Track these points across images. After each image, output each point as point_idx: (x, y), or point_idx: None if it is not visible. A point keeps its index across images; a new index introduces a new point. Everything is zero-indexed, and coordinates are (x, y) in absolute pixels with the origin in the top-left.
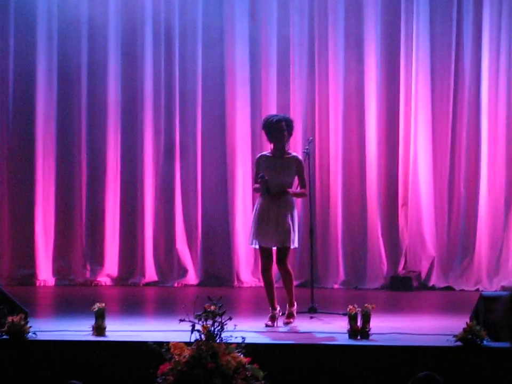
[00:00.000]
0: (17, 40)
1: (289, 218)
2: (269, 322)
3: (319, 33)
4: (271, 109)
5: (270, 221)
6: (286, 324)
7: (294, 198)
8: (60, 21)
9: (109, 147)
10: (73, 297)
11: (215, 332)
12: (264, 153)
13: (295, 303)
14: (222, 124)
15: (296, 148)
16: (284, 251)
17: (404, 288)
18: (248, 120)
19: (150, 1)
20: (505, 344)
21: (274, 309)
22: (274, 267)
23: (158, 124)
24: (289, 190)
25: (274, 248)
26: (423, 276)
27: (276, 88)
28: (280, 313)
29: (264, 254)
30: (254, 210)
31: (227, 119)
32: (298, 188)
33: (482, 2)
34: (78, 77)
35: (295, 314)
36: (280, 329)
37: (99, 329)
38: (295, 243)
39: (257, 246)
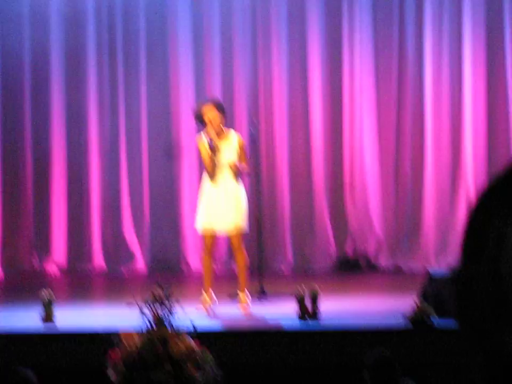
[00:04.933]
0: None
1: (243, 200)
2: (202, 308)
3: (262, 13)
4: (216, 91)
5: (220, 204)
6: (244, 309)
7: (241, 182)
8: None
9: (54, 132)
10: (21, 285)
11: (165, 318)
12: (201, 134)
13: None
14: (166, 107)
15: (241, 132)
16: (240, 235)
17: (351, 270)
18: (193, 101)
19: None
20: (454, 323)
21: (208, 293)
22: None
23: (103, 106)
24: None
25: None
26: (371, 257)
27: (220, 71)
28: (215, 299)
29: (211, 237)
30: (201, 192)
31: (171, 100)
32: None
33: None
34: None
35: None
36: (229, 314)
37: (48, 316)
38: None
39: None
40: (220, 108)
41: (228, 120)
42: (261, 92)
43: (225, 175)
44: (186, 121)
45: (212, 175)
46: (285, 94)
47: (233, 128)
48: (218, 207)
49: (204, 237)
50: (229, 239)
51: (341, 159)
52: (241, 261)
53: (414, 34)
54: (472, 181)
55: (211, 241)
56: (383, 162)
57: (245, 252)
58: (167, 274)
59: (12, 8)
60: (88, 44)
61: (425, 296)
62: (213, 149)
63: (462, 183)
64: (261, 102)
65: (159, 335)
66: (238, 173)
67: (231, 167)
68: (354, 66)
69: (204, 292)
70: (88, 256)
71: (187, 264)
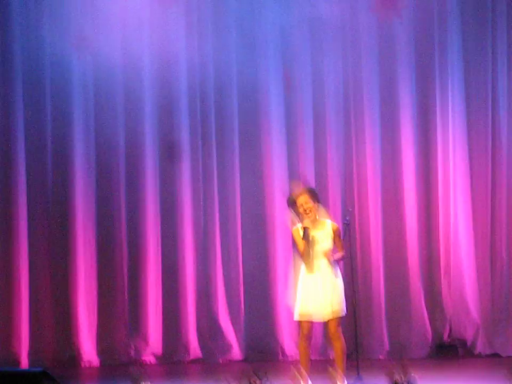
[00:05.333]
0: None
1: (339, 284)
2: None
3: (354, 98)
4: (309, 179)
5: (318, 290)
6: None
7: (338, 267)
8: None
9: (148, 222)
10: (118, 377)
11: None
12: (298, 225)
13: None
14: (260, 195)
15: (336, 220)
16: (338, 320)
17: (449, 357)
18: (287, 189)
19: (185, 73)
20: None
21: (306, 381)
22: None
23: (197, 196)
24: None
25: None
26: (469, 343)
27: (313, 157)
28: None
29: (308, 324)
30: (298, 280)
31: (265, 189)
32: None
33: None
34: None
35: None
36: None
37: None
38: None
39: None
40: (314, 196)
41: (323, 209)
42: (354, 178)
43: (321, 263)
44: (280, 210)
45: (308, 265)
46: (378, 180)
47: (328, 216)
48: (316, 294)
49: (301, 324)
50: (325, 326)
51: (436, 243)
52: (339, 348)
53: (508, 118)
54: None
55: (308, 328)
56: (478, 245)
57: (342, 337)
58: (263, 362)
59: (108, 98)
60: (182, 132)
61: None
62: (308, 239)
63: None
64: (355, 189)
65: None
66: (334, 260)
67: (326, 256)
68: (447, 153)
69: (301, 380)
70: (184, 345)
71: (283, 351)
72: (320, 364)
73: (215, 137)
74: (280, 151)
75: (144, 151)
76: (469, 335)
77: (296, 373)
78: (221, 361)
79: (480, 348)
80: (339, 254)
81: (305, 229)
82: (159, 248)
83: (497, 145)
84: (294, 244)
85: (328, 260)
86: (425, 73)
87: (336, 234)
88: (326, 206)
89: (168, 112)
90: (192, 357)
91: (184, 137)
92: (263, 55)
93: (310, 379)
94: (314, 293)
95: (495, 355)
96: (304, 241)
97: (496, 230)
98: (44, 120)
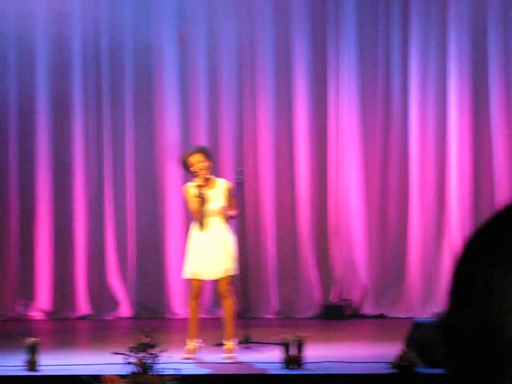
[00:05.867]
0: None
1: (231, 243)
2: (188, 355)
3: (248, 61)
4: (201, 138)
5: (209, 250)
6: (230, 356)
7: (230, 226)
8: None
9: (39, 180)
10: (5, 332)
11: (149, 364)
12: (189, 184)
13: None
14: (152, 155)
15: (228, 179)
16: (229, 280)
17: (336, 317)
18: (178, 150)
19: (79, 30)
20: (439, 370)
21: (194, 340)
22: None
23: (88, 154)
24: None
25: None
26: (356, 304)
27: (206, 117)
28: (201, 345)
29: (198, 284)
30: (189, 239)
31: (157, 148)
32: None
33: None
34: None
35: (235, 348)
36: (214, 360)
37: (31, 363)
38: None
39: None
40: (207, 155)
41: (214, 167)
42: (246, 139)
43: (213, 222)
44: (172, 169)
45: (201, 223)
46: (270, 141)
47: (220, 175)
48: (207, 253)
49: (190, 283)
50: (215, 286)
51: (326, 207)
52: (229, 308)
53: (400, 82)
54: (457, 230)
55: (197, 287)
56: (368, 210)
57: (233, 297)
58: (152, 320)
59: None
60: (75, 89)
61: (410, 343)
62: (202, 197)
63: (447, 232)
64: (247, 149)
65: (143, 380)
66: (226, 218)
67: (219, 213)
68: (339, 115)
69: (189, 339)
70: (73, 303)
71: (172, 310)
72: (209, 322)
73: (108, 94)
74: (173, 109)
75: (37, 107)
76: (356, 295)
77: (190, 343)
78: (109, 318)
79: (367, 308)
80: (232, 212)
81: (198, 188)
82: (51, 205)
83: (391, 110)
84: (186, 202)
85: (223, 216)
86: (319, 34)
87: (229, 193)
88: (218, 165)
89: (61, 68)
90: (81, 313)
91: (77, 94)
92: (157, 13)
93: (199, 337)
94: (205, 251)
95: (381, 316)
96: (197, 199)
97: (385, 192)
98: None
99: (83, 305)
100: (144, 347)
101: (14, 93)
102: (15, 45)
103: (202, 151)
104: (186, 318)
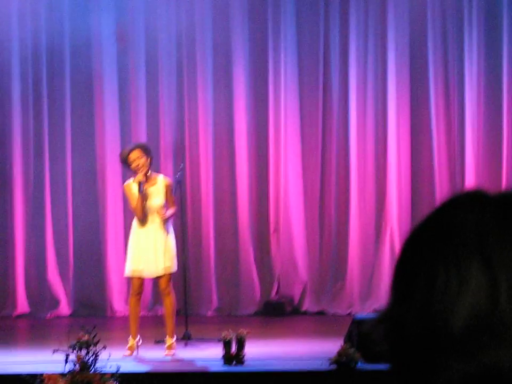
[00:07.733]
0: None
1: (171, 240)
2: (129, 352)
3: (187, 57)
4: (141, 135)
5: (149, 247)
6: (171, 354)
7: (170, 223)
8: None
9: None
10: None
11: (90, 362)
12: (129, 181)
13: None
14: (92, 152)
15: (168, 176)
16: (169, 277)
17: (277, 314)
18: (118, 147)
19: (16, 30)
20: (379, 366)
21: (135, 338)
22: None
23: (27, 151)
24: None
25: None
26: (296, 301)
27: (145, 113)
28: (140, 342)
29: (139, 281)
30: (130, 236)
31: (96, 144)
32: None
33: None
34: None
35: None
36: (155, 357)
37: None
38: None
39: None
40: (146, 152)
41: (154, 164)
42: (186, 135)
43: (154, 219)
44: (112, 166)
45: (141, 220)
46: (211, 138)
47: (160, 172)
48: (147, 251)
49: (132, 281)
50: (156, 283)
51: (266, 204)
52: (169, 305)
53: (340, 80)
54: (396, 226)
55: (138, 285)
56: (308, 207)
57: (173, 293)
58: (92, 318)
59: None
60: (13, 90)
61: (349, 339)
62: (142, 194)
63: (387, 228)
64: (186, 145)
65: (84, 380)
66: (164, 220)
67: (158, 214)
68: (280, 113)
69: (130, 336)
70: (13, 301)
71: (112, 308)
72: (149, 320)
73: (46, 95)
74: (112, 107)
75: None
76: (296, 292)
77: (130, 340)
78: (48, 316)
79: (307, 305)
80: (171, 211)
81: (139, 184)
82: None
83: (328, 106)
84: (126, 199)
85: (161, 217)
86: (259, 31)
87: (168, 189)
88: (158, 161)
89: None
90: (19, 311)
91: (15, 95)
92: (95, 11)
93: (139, 335)
94: (145, 248)
95: (321, 313)
96: (138, 195)
97: (325, 189)
98: None
99: (22, 304)
100: (84, 345)
101: None
102: None
103: (142, 147)
104: (127, 316)
